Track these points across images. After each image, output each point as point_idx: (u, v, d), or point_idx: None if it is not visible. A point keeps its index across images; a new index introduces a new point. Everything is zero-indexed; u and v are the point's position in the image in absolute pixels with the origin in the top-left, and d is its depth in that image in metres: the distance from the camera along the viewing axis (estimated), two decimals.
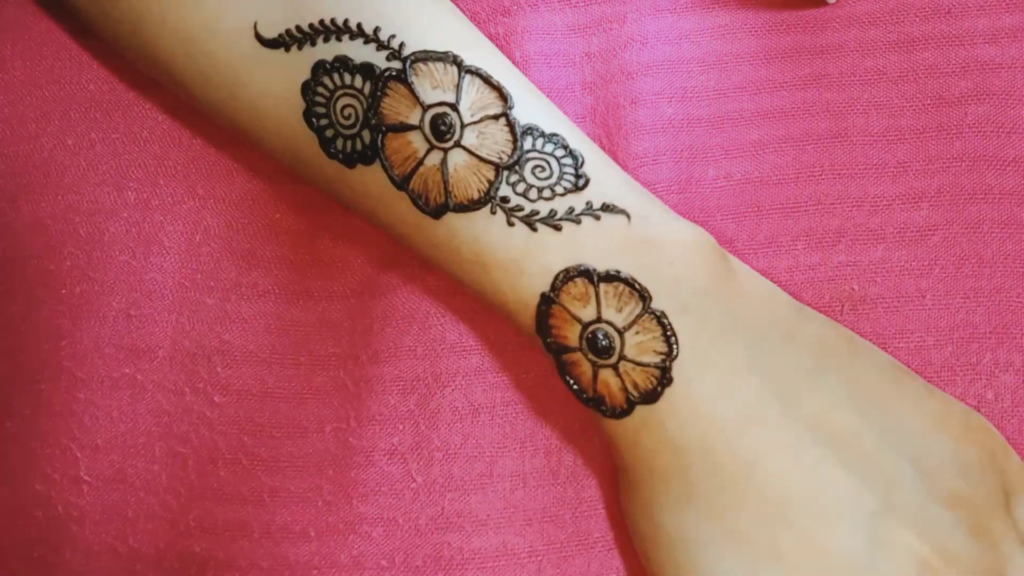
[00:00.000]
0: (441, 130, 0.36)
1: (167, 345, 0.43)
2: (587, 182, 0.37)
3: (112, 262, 0.44)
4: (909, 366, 0.39)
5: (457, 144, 0.36)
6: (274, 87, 0.38)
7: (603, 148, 0.42)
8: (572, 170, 0.37)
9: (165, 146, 0.45)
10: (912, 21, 0.42)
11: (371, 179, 0.38)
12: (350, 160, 0.38)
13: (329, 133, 0.38)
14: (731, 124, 0.42)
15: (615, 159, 0.42)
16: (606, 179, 0.37)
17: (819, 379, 0.36)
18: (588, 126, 0.42)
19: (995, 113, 0.41)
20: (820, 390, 0.36)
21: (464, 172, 0.36)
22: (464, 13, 0.43)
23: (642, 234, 0.37)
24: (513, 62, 0.43)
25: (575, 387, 0.37)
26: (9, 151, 0.46)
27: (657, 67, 0.43)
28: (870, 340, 0.39)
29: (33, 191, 0.45)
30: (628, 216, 0.37)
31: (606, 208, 0.37)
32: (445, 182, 0.36)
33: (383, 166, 0.37)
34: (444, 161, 0.36)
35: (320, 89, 0.37)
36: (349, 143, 0.37)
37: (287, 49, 0.38)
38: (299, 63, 0.38)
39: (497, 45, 0.43)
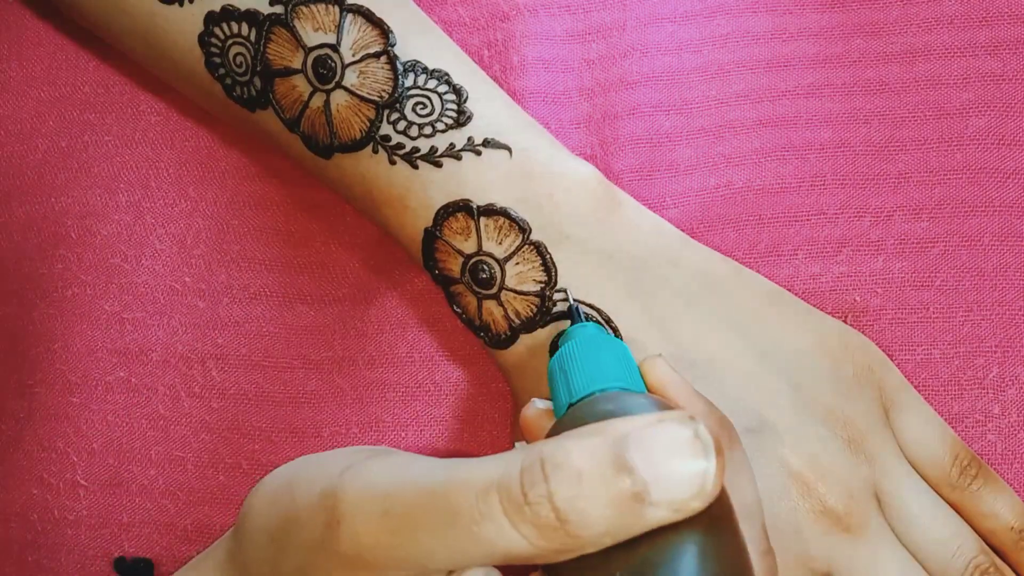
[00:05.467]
0: (321, 72, 0.37)
1: (160, 349, 0.42)
2: (469, 117, 0.37)
3: (104, 265, 0.43)
4: (915, 379, 0.39)
5: (338, 85, 0.37)
6: (179, 39, 0.39)
7: (595, 160, 0.42)
8: (455, 106, 0.38)
9: (157, 149, 0.45)
10: (914, 32, 0.42)
11: (270, 121, 0.39)
12: (250, 104, 0.39)
13: (228, 81, 0.39)
14: (732, 133, 0.42)
15: (609, 171, 0.41)
16: (491, 114, 0.38)
17: (699, 304, 0.37)
18: (583, 134, 0.42)
19: (996, 125, 0.40)
20: (699, 315, 0.37)
21: (346, 112, 0.37)
22: (463, 19, 0.43)
23: (524, 168, 0.37)
24: (511, 66, 0.43)
25: (464, 316, 0.38)
26: (3, 152, 0.45)
27: (657, 77, 0.43)
28: None
29: (26, 193, 0.45)
30: (510, 151, 0.37)
31: (487, 143, 0.37)
32: (329, 123, 0.38)
33: (275, 110, 0.38)
34: (327, 102, 0.37)
35: (213, 40, 0.39)
36: (244, 89, 0.39)
37: (181, 4, 0.39)
38: (194, 15, 0.39)
39: (496, 50, 0.43)
